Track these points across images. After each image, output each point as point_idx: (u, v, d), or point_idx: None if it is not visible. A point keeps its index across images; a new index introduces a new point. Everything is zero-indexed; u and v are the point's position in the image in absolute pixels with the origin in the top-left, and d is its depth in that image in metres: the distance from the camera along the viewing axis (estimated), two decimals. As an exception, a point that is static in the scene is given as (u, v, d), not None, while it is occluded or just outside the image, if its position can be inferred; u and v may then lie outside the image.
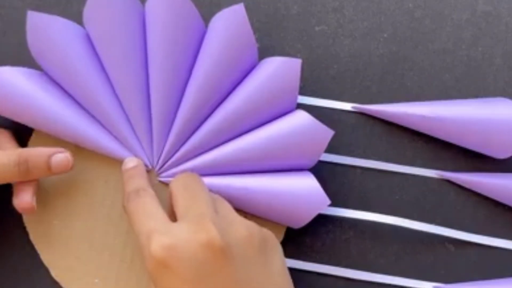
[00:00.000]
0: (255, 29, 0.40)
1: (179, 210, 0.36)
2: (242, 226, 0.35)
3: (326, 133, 0.40)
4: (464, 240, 0.43)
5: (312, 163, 0.41)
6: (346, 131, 0.44)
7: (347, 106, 0.44)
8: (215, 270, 0.34)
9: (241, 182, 0.41)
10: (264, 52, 0.42)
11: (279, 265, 0.36)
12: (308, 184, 0.40)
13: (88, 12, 0.41)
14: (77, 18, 0.41)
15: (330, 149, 0.42)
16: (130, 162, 0.41)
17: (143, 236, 0.35)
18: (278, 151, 0.40)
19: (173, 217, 0.37)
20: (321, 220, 0.42)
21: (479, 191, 0.43)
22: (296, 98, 0.41)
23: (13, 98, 0.40)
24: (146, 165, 0.42)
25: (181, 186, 0.37)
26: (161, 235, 0.34)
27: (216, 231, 0.34)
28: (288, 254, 0.42)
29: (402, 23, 0.45)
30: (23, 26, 0.40)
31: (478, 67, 0.45)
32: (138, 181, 0.39)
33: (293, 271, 0.42)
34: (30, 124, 0.41)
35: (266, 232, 0.37)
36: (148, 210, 0.36)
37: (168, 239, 0.34)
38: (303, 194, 0.40)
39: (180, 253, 0.33)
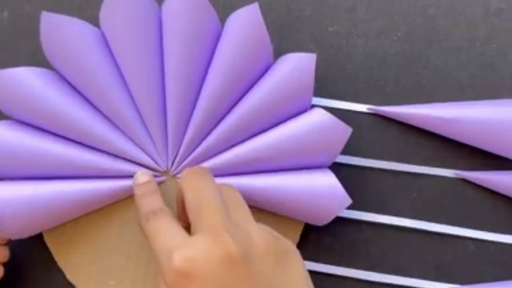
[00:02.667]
0: (269, 31, 0.40)
1: (193, 219, 0.35)
2: (260, 237, 0.35)
3: (345, 130, 0.40)
4: (483, 239, 0.43)
5: (330, 160, 0.41)
6: (362, 133, 0.44)
7: (362, 107, 0.44)
8: (234, 282, 0.33)
9: (258, 182, 0.41)
10: (278, 54, 0.42)
11: (300, 275, 0.35)
12: (328, 181, 0.40)
13: (104, 12, 0.41)
14: (91, 23, 0.41)
15: (346, 151, 0.42)
16: (142, 176, 0.40)
17: (164, 253, 0.34)
18: (296, 149, 0.40)
19: (184, 215, 0.37)
20: (340, 221, 0.42)
21: (496, 189, 0.43)
22: (311, 94, 0.41)
23: (27, 99, 0.40)
24: (161, 167, 0.42)
25: (190, 189, 0.36)
26: (182, 249, 0.33)
27: (234, 244, 0.33)
28: (307, 255, 0.42)
29: (416, 22, 0.45)
30: (35, 33, 0.40)
31: (492, 64, 0.44)
32: (153, 200, 0.38)
33: (312, 274, 0.42)
34: (43, 126, 0.41)
35: (285, 242, 0.36)
36: (168, 230, 0.36)
37: (189, 252, 0.33)
38: (323, 191, 0.40)
39: (200, 265, 0.33)
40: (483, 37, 0.45)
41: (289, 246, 0.36)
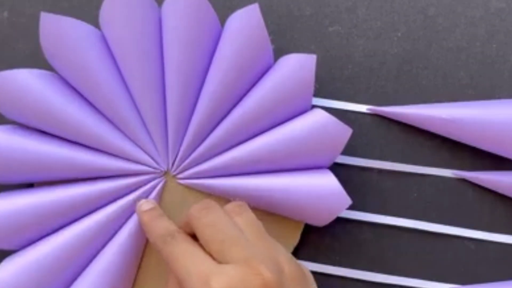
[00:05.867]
0: (269, 31, 0.41)
1: (217, 254, 0.35)
2: (289, 265, 0.35)
3: (345, 131, 0.40)
4: (483, 239, 0.43)
5: (330, 161, 0.41)
6: (362, 133, 0.44)
7: (362, 108, 0.44)
8: None
9: (258, 182, 0.41)
10: (278, 54, 0.42)
11: None
12: (328, 182, 0.40)
13: (104, 13, 0.41)
14: (91, 23, 0.41)
15: (346, 151, 0.42)
16: (147, 204, 0.40)
17: (194, 278, 0.34)
18: (297, 150, 0.40)
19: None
20: (340, 221, 0.42)
21: (496, 189, 0.43)
22: (311, 94, 0.41)
23: (26, 101, 0.40)
24: (161, 167, 0.42)
25: (204, 227, 0.36)
26: (219, 276, 0.33)
27: (270, 274, 0.33)
28: (307, 255, 0.43)
29: (416, 22, 0.45)
30: (35, 33, 0.41)
31: (492, 64, 0.44)
32: (165, 223, 0.38)
33: (312, 274, 0.42)
34: (43, 127, 0.41)
35: (305, 268, 0.36)
36: (193, 253, 0.35)
37: (228, 280, 0.33)
38: (323, 192, 0.40)
39: None
40: (483, 37, 0.45)
41: (308, 272, 0.37)
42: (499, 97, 0.44)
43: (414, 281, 0.42)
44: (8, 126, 0.41)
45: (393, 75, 0.44)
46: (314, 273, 0.42)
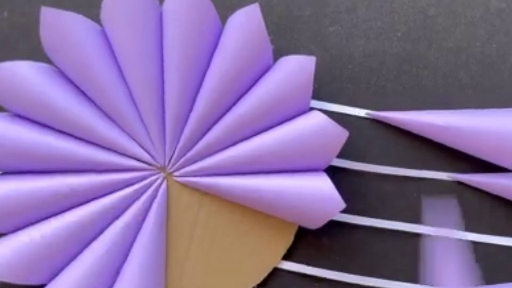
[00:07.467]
0: (269, 31, 0.41)
1: None
2: None
3: (341, 134, 0.40)
4: (482, 241, 0.42)
5: (326, 164, 0.41)
6: (360, 136, 0.44)
7: (360, 112, 0.44)
8: None
9: (254, 182, 0.41)
10: (278, 54, 0.42)
11: None
12: (322, 185, 0.40)
13: (105, 9, 0.41)
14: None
15: (344, 155, 0.42)
16: None
17: None
18: (292, 151, 0.40)
19: None
20: (336, 224, 0.42)
21: (493, 191, 0.43)
22: (309, 97, 0.41)
23: (24, 93, 0.40)
24: (158, 163, 0.42)
25: None
26: None
27: None
28: (306, 256, 0.42)
29: (416, 22, 0.45)
30: (35, 34, 0.40)
31: (492, 64, 0.44)
32: None
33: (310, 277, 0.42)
34: (41, 120, 0.41)
35: None
36: None
37: None
38: (317, 195, 0.40)
39: None
40: (483, 37, 0.45)
41: None
42: (499, 97, 0.44)
43: (414, 286, 0.42)
44: (5, 114, 0.41)
45: (393, 75, 0.44)
46: (310, 277, 0.42)
